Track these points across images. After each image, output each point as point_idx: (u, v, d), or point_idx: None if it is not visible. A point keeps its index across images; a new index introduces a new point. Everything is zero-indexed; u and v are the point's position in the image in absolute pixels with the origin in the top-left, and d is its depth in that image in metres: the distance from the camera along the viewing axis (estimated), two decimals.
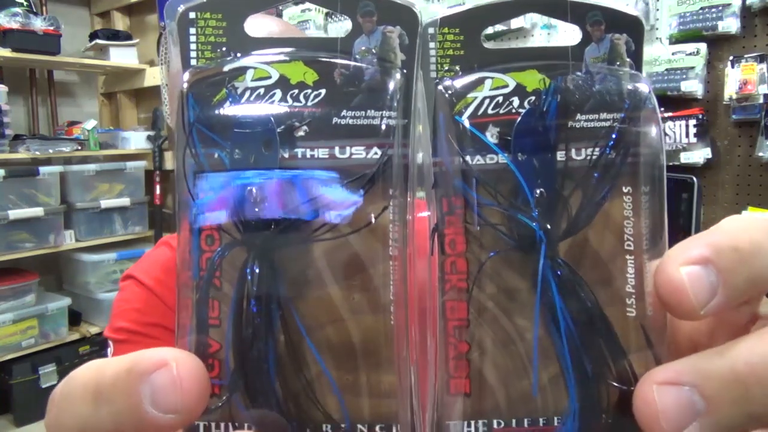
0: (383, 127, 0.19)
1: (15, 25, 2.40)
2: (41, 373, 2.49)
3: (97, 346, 2.67)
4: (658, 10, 1.62)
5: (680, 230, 1.30)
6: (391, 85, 0.19)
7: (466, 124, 0.19)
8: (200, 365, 0.17)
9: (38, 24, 2.46)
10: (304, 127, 0.19)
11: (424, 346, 0.20)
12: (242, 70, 0.19)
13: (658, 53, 1.58)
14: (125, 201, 2.79)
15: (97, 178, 2.72)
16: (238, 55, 0.19)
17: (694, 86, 1.53)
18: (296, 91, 0.19)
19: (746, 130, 1.53)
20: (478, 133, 0.19)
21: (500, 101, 0.19)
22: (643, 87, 0.19)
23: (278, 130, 0.19)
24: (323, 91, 0.19)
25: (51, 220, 2.53)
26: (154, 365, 0.16)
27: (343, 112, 0.19)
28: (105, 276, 2.75)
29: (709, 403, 0.15)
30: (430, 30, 0.20)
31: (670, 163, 1.58)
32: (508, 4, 0.21)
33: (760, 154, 1.47)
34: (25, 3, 2.54)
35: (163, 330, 0.62)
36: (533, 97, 0.19)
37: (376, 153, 0.19)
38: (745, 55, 1.48)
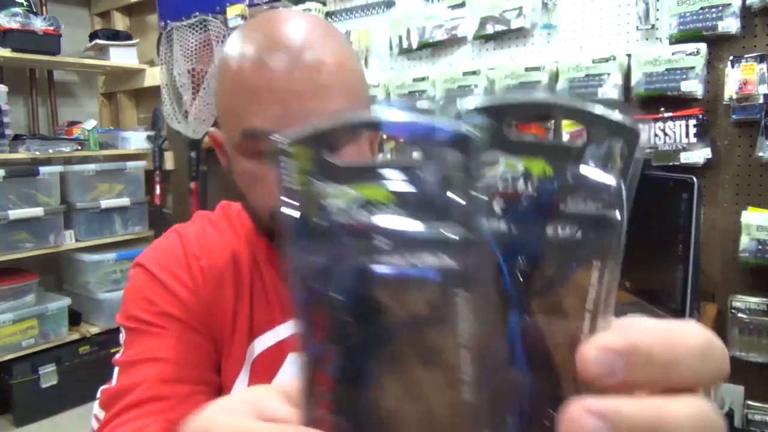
0: (454, 239, 0.22)
1: (15, 25, 2.40)
2: (41, 373, 2.49)
3: (97, 346, 2.67)
4: (658, 10, 1.62)
5: (680, 230, 1.30)
6: (459, 199, 0.22)
7: (478, 192, 0.23)
8: None
9: (38, 24, 2.47)
10: (387, 241, 0.22)
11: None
12: (327, 192, 0.23)
13: (658, 53, 1.58)
14: (125, 201, 2.80)
15: (97, 178, 2.73)
16: (324, 179, 0.23)
17: (694, 86, 1.53)
18: (375, 209, 0.22)
19: (746, 130, 1.53)
20: (484, 202, 0.23)
21: (508, 180, 0.23)
22: (620, 186, 0.23)
23: (364, 243, 0.22)
24: (399, 208, 0.22)
25: (51, 220, 2.53)
26: None
27: (419, 226, 0.22)
28: (105, 276, 2.75)
29: None
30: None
31: (670, 164, 1.58)
32: (536, 105, 0.24)
33: (760, 154, 1.47)
34: (25, 3, 2.54)
35: (169, 318, 0.63)
36: (536, 182, 0.23)
37: (450, 263, 0.22)
38: (745, 55, 1.48)
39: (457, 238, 0.22)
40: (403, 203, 0.22)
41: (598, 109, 0.23)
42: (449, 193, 0.22)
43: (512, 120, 0.24)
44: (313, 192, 0.23)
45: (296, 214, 0.23)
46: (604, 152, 0.24)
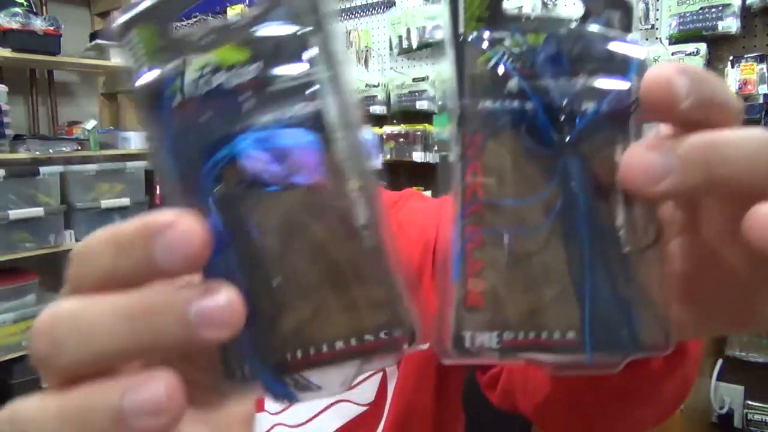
0: (313, 82, 0.22)
1: (15, 25, 2.39)
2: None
3: None
4: (658, 10, 1.62)
5: None
6: (316, 44, 0.23)
7: (500, 70, 0.23)
8: (200, 222, 0.20)
9: (38, 24, 2.46)
10: (252, 100, 0.22)
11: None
12: (184, 64, 0.22)
13: (658, 53, 1.58)
14: (125, 201, 2.79)
15: (97, 178, 2.72)
16: (175, 51, 0.23)
17: None
18: (234, 70, 0.22)
19: None
20: (502, 80, 0.23)
21: (517, 56, 0.23)
22: (640, 48, 0.24)
23: (231, 106, 0.22)
24: (256, 65, 0.22)
25: (51, 220, 2.53)
26: (165, 224, 0.20)
27: (276, 79, 0.22)
28: None
29: (681, 161, 0.20)
30: None
31: None
32: None
33: None
34: (25, 3, 2.54)
35: None
36: (545, 53, 0.23)
37: (312, 106, 0.22)
38: (745, 55, 1.48)
39: (322, 78, 0.22)
40: (262, 57, 0.22)
41: None
42: (312, 36, 0.22)
43: None
44: (167, 69, 0.22)
45: (155, 92, 0.22)
46: (604, 23, 0.25)
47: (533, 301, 0.23)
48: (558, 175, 0.23)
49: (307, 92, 0.22)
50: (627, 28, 0.25)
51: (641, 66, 0.23)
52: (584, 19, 0.25)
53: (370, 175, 0.23)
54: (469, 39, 0.24)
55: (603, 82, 0.23)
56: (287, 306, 0.22)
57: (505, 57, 0.23)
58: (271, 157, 0.22)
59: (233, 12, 2.45)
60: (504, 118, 0.23)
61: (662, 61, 1.56)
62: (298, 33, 0.22)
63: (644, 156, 0.21)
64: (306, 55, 0.22)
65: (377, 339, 0.22)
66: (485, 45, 0.23)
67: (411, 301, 0.23)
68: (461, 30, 0.24)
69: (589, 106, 0.23)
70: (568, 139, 0.23)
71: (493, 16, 0.24)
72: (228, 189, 0.22)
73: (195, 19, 2.56)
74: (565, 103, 0.23)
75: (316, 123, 0.22)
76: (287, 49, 0.22)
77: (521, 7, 1.80)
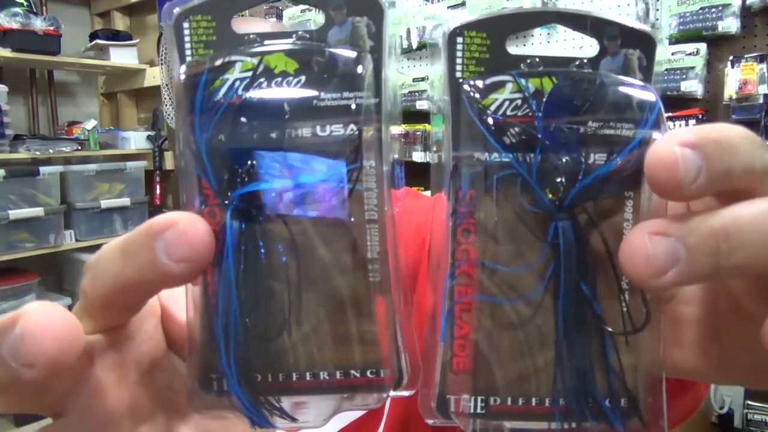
0: (357, 106, 0.21)
1: (15, 25, 2.39)
2: None
3: None
4: (658, 10, 1.62)
5: None
6: (362, 69, 0.22)
7: (490, 122, 0.21)
8: (204, 223, 0.20)
9: (38, 24, 2.46)
10: (291, 113, 0.21)
11: (410, 300, 0.23)
12: (231, 64, 0.22)
13: (658, 53, 1.58)
14: (125, 201, 2.79)
15: (97, 178, 2.72)
16: (226, 48, 0.22)
17: (694, 86, 1.53)
18: (279, 79, 0.21)
19: None
20: (499, 132, 0.21)
21: (519, 104, 0.21)
22: (653, 98, 0.21)
23: (268, 115, 0.21)
24: (303, 78, 0.21)
25: (51, 220, 2.53)
26: (165, 224, 0.19)
27: (321, 95, 0.21)
28: None
29: (689, 253, 0.18)
30: (458, 36, 0.22)
31: None
32: (535, 14, 0.23)
33: None
34: (25, 3, 2.54)
35: None
36: (548, 102, 0.21)
37: (352, 129, 0.21)
38: (745, 55, 1.48)
39: (363, 105, 0.21)
40: (307, 72, 0.21)
41: (608, 15, 0.22)
42: (359, 61, 0.21)
43: (512, 34, 0.23)
44: (213, 64, 0.22)
45: (198, 84, 0.22)
46: (620, 64, 0.22)
47: (521, 367, 0.22)
48: (553, 241, 0.21)
49: (348, 116, 0.21)
50: (647, 70, 0.22)
51: (656, 120, 0.21)
52: (598, 58, 0.22)
53: (390, 209, 0.22)
54: (466, 85, 0.22)
55: (610, 139, 0.21)
56: (277, 326, 0.21)
57: (504, 106, 0.21)
58: (296, 185, 0.21)
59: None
60: (499, 175, 0.21)
61: (662, 61, 1.55)
62: (351, 56, 0.22)
63: (647, 246, 0.18)
64: (354, 79, 0.21)
65: (363, 376, 0.21)
66: (483, 93, 0.22)
67: (405, 345, 0.22)
68: (458, 74, 0.22)
69: (592, 166, 0.21)
70: (566, 201, 0.21)
71: (494, 59, 0.22)
72: (247, 201, 0.21)
73: None
74: (565, 160, 0.21)
75: (349, 150, 0.21)
76: (336, 69, 0.21)
77: (521, 7, 1.80)
